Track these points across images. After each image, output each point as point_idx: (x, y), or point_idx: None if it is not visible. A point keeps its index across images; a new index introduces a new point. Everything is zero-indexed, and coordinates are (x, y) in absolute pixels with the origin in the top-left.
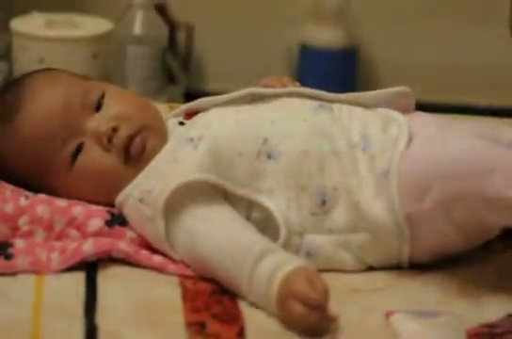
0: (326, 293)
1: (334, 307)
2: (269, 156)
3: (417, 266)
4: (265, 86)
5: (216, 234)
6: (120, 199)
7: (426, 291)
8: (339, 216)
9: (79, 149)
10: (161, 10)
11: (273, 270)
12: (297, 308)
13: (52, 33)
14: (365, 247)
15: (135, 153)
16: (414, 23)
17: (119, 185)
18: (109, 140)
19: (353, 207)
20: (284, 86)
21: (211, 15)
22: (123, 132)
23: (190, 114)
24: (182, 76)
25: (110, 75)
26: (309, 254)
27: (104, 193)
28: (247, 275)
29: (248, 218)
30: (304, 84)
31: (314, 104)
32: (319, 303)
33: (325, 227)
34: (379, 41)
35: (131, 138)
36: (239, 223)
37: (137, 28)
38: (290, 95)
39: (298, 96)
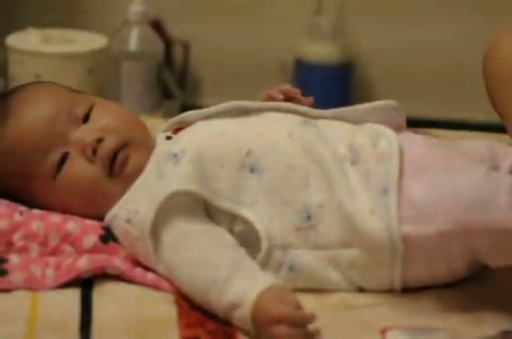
0: (300, 306)
1: (329, 323)
2: (252, 170)
3: None
4: (268, 97)
5: (188, 252)
6: (107, 219)
7: (423, 307)
8: (327, 230)
9: (64, 158)
10: (157, 27)
11: (238, 302)
12: (283, 330)
13: (48, 49)
14: (356, 263)
15: (117, 168)
16: (411, 35)
17: (103, 198)
18: (94, 152)
19: (344, 219)
20: (287, 96)
21: (207, 31)
22: (108, 143)
23: (179, 128)
24: (178, 92)
25: (105, 91)
26: (291, 270)
27: (89, 206)
28: (216, 304)
29: (231, 232)
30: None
31: (299, 119)
32: (301, 319)
33: (310, 242)
34: (375, 55)
35: (116, 152)
36: (215, 240)
37: (133, 44)
38: (275, 110)
39: (283, 111)
